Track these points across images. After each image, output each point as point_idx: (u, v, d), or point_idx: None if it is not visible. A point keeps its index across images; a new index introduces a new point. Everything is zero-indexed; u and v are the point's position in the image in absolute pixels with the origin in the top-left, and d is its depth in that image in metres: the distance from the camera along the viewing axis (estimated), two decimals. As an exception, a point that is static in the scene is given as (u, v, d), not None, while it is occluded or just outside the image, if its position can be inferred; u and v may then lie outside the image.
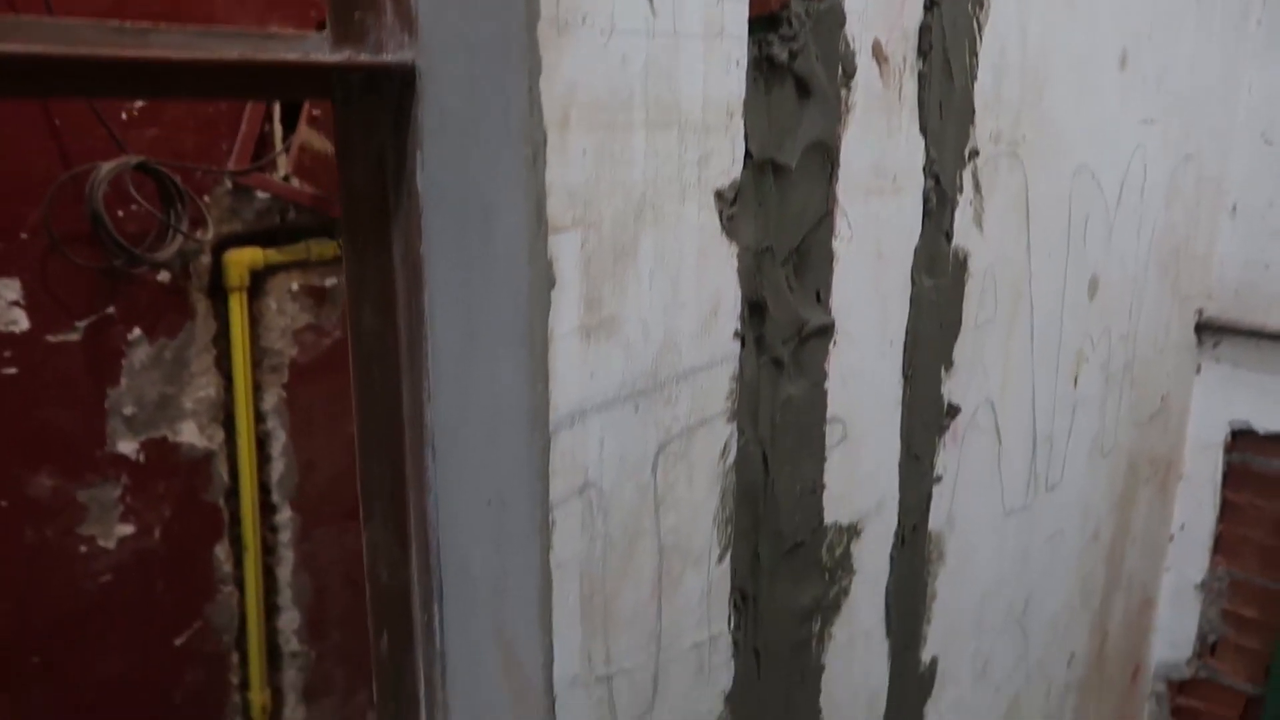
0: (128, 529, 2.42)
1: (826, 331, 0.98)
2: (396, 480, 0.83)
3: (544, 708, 0.75)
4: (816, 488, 1.00)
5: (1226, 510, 2.03)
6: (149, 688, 2.49)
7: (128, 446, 2.38)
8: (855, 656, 1.13)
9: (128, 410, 2.38)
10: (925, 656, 1.28)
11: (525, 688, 0.76)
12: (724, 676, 0.93)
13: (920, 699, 1.29)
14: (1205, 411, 2.01)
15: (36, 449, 2.19)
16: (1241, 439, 2.00)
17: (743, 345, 0.89)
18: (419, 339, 0.79)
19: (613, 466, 0.78)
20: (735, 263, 0.86)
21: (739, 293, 0.87)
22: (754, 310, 0.89)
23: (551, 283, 0.71)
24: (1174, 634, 2.11)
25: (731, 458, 0.89)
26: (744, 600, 0.95)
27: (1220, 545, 2.05)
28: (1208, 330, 1.95)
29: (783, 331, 0.92)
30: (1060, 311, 1.39)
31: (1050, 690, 1.66)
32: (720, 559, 0.90)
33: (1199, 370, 2.00)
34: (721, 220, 0.83)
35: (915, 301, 1.09)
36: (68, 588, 2.33)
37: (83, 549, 2.34)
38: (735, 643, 0.94)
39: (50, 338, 2.16)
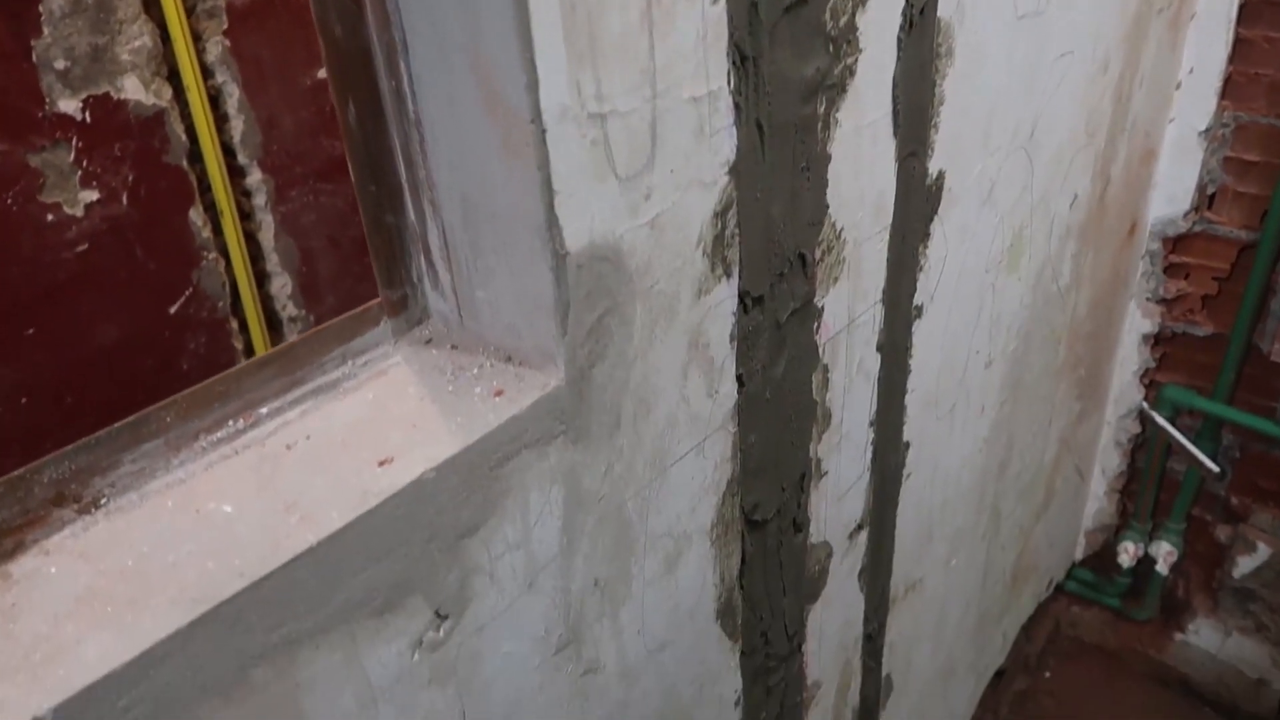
0: (92, 195, 2.33)
1: None
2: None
3: (533, 139, 0.69)
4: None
5: (1239, 49, 1.93)
6: (151, 354, 2.51)
7: (69, 105, 2.23)
8: (862, 151, 1.06)
9: (59, 64, 2.20)
10: (933, 169, 1.22)
11: (510, 120, 0.69)
12: (726, 144, 0.87)
13: (927, 214, 1.25)
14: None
15: (-29, 109, 2.05)
16: (1262, -34, 1.85)
17: None
18: None
19: None
20: None
21: None
22: None
23: None
24: (1173, 188, 2.08)
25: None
26: (743, 60, 0.86)
27: (1228, 89, 1.97)
28: None
29: None
30: None
31: (1052, 230, 1.64)
32: (714, 0, 0.80)
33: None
34: None
35: None
36: (45, 258, 2.27)
37: (50, 217, 2.26)
38: (737, 107, 0.86)
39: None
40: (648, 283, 0.84)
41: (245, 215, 2.68)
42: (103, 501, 0.68)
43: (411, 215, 0.82)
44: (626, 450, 0.88)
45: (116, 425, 0.69)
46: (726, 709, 1.23)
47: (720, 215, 0.90)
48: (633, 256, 0.81)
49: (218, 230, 2.60)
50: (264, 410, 0.77)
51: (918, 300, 1.30)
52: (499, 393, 0.78)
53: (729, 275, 0.94)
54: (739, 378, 1.01)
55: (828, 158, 1.01)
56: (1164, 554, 2.41)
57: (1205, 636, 2.50)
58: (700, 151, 0.85)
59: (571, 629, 0.90)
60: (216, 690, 0.62)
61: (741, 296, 0.96)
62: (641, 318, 0.85)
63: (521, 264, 0.76)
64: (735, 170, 0.89)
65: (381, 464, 0.71)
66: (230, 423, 0.75)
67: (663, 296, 0.86)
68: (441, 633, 0.77)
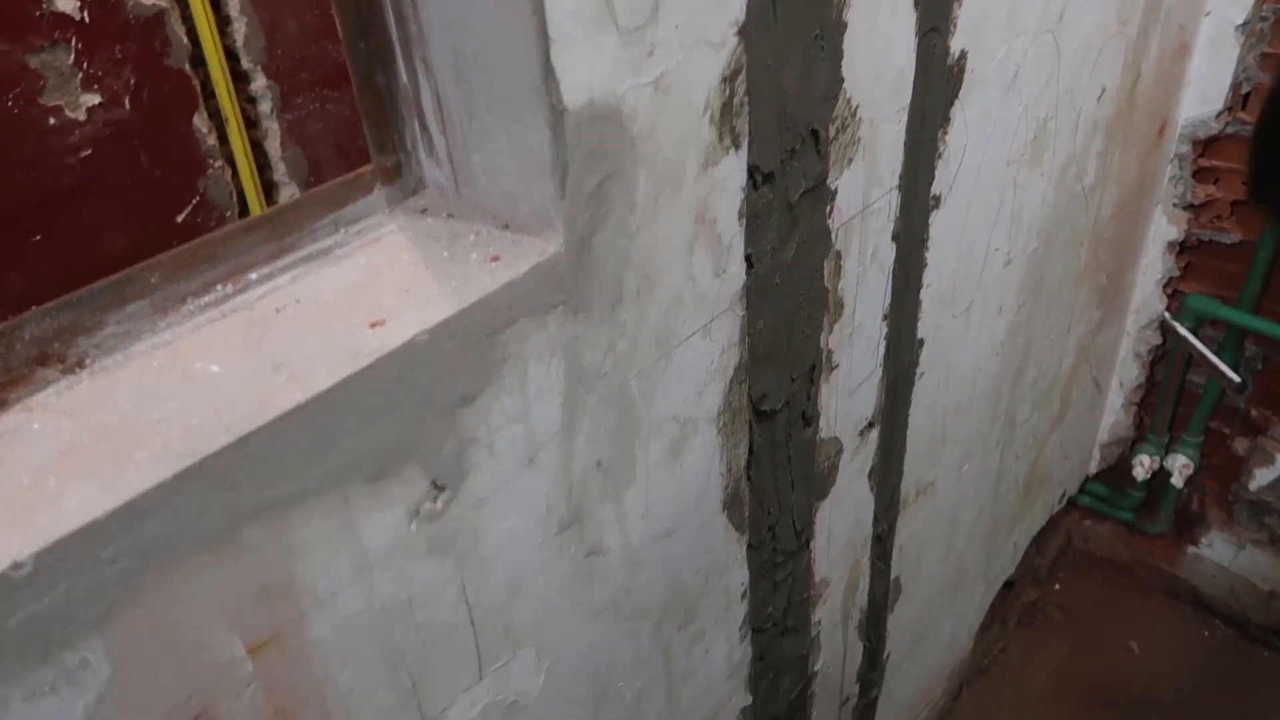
0: (94, 98, 2.29)
1: None
2: None
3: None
4: None
5: (1282, -64, 1.83)
6: (161, 262, 2.49)
7: (67, 3, 2.18)
8: (880, 21, 1.01)
9: (51, -39, 2.14)
10: (954, 48, 1.17)
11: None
12: (735, 1, 0.82)
13: (948, 97, 1.20)
14: None
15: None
16: None
17: None
18: None
19: None
20: None
21: None
22: None
23: None
24: (1206, 87, 2.00)
25: None
26: (754, -90, 0.81)
27: (1269, -21, 1.87)
28: None
29: None
30: None
31: (1078, 125, 1.58)
32: None
33: None
34: None
35: None
36: (49, 163, 2.25)
37: (52, 121, 2.22)
38: (745, -40, 0.81)
39: None
40: (651, 149, 0.80)
41: (251, 123, 2.63)
42: (87, 362, 0.66)
43: (404, 76, 0.78)
44: (630, 327, 0.86)
45: (99, 284, 0.67)
46: (733, 602, 1.22)
47: (728, 81, 0.85)
48: (635, 119, 0.77)
49: (223, 138, 2.56)
50: (253, 276, 0.74)
51: (936, 189, 1.26)
52: (495, 258, 0.75)
53: (737, 147, 0.90)
54: (748, 258, 0.97)
55: (843, 26, 0.96)
56: (1180, 467, 2.38)
57: (1218, 550, 2.49)
58: (707, 7, 0.80)
59: (574, 510, 0.89)
60: (206, 548, 0.61)
61: (751, 171, 0.92)
62: (645, 186, 0.81)
63: (518, 122, 0.72)
64: (745, 32, 0.85)
65: (373, 325, 0.68)
66: (218, 287, 0.73)
67: (667, 165, 0.83)
68: (439, 504, 0.75)
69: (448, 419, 0.73)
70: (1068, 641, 2.54)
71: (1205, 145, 2.07)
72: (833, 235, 1.09)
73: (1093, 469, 2.59)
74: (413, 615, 0.77)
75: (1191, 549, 2.54)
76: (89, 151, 2.34)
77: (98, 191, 2.34)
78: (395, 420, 0.69)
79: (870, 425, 1.36)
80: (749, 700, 1.38)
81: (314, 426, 0.63)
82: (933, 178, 1.24)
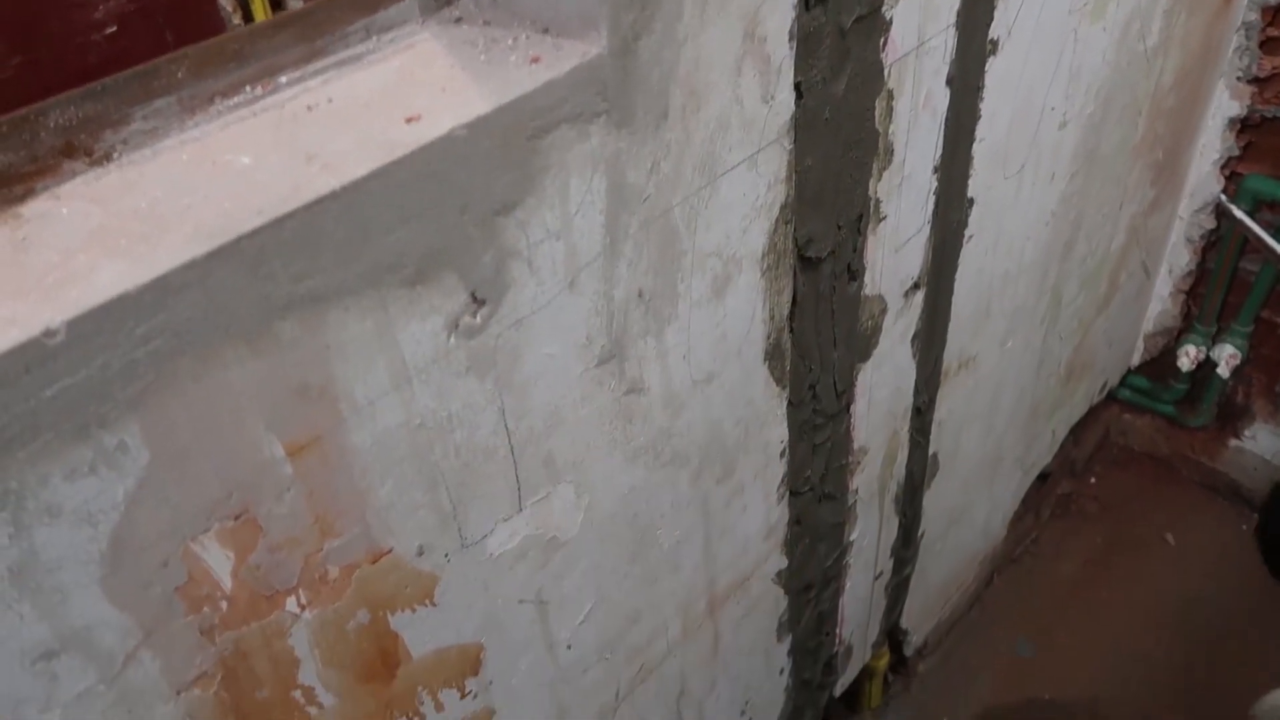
0: (117, -28, 2.24)
1: None
2: None
3: None
4: None
5: None
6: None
7: None
8: None
9: None
10: (1020, -128, 1.09)
11: None
12: None
13: (1010, -72, 1.12)
14: None
15: None
16: None
17: None
18: None
19: None
20: None
21: None
22: None
23: None
24: (1281, -52, 1.88)
25: None
26: None
27: None
28: None
29: None
30: None
31: (1144, -23, 1.49)
32: None
33: None
34: None
35: None
36: (75, 39, 2.21)
37: (75, -5, 2.18)
38: None
39: None
40: (700, -51, 0.75)
41: (276, 4, 2.56)
42: (115, 155, 0.64)
43: None
44: (674, 147, 0.82)
45: (124, 74, 0.64)
46: (772, 460, 1.21)
47: (783, -121, 0.80)
48: (684, -88, 0.72)
49: (249, 17, 2.50)
50: (283, 79, 0.71)
51: (994, 33, 1.19)
52: (536, 59, 0.71)
53: (790, -42, 0.84)
54: (797, 87, 0.92)
55: None
56: (1226, 357, 2.32)
57: (1262, 442, 2.45)
58: None
59: (615, 342, 0.87)
60: (242, 339, 0.59)
61: (803, -13, 0.87)
62: (693, -10, 0.76)
63: (559, -93, 0.68)
64: None
65: (409, 121, 0.65)
66: (247, 88, 0.69)
67: (716, -31, 0.78)
68: (479, 319, 0.73)
69: (487, 227, 0.70)
70: (1101, 533, 2.53)
71: (1275, 13, 1.95)
72: (885, 71, 1.03)
73: (1135, 361, 2.54)
74: (452, 435, 0.76)
75: (1233, 441, 2.50)
76: (114, 29, 2.30)
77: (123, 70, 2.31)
78: (432, 221, 0.66)
79: (915, 286, 1.32)
80: (784, 564, 1.37)
81: (349, 218, 0.61)
82: (991, 19, 1.17)
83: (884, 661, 2.05)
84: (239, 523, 0.64)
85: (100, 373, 0.53)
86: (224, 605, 0.66)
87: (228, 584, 0.65)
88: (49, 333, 0.50)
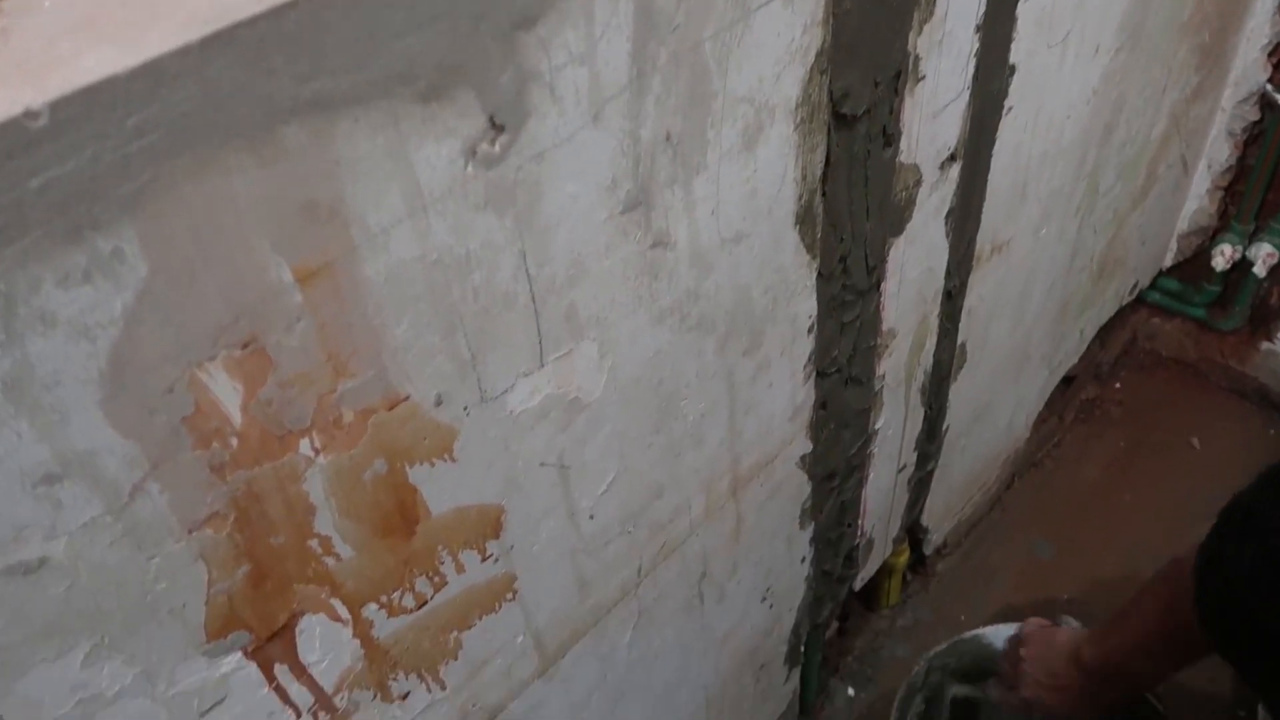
0: None
1: None
2: None
3: None
4: None
5: None
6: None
7: None
8: None
9: None
10: None
11: None
12: None
13: None
14: None
15: None
16: None
17: None
18: None
19: None
20: None
21: None
22: None
23: None
24: None
25: None
26: None
27: None
28: None
29: None
30: None
31: None
32: None
33: None
34: None
35: None
36: None
37: None
38: None
39: None
40: None
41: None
42: (101, -49, 0.58)
43: None
44: (706, -29, 0.76)
45: None
46: (800, 335, 1.17)
47: None
48: None
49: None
50: (283, -121, 0.65)
51: (1045, -124, 1.11)
52: None
53: None
54: (837, -85, 0.86)
55: None
56: (1264, 255, 2.25)
57: (1294, 345, 2.40)
58: None
59: (641, 188, 0.82)
60: (245, 144, 0.54)
61: None
62: None
63: None
64: None
65: (420, -87, 0.59)
66: (244, -113, 0.64)
67: None
68: (497, 147, 0.68)
69: (506, 42, 0.65)
70: (1125, 437, 2.50)
71: (1337, -118, 1.84)
72: (931, -93, 0.96)
73: (1168, 261, 2.47)
74: (470, 276, 0.72)
75: (1265, 345, 2.44)
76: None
77: None
78: (447, 28, 0.61)
79: (952, 158, 1.26)
80: (809, 448, 1.34)
81: (354, 16, 0.56)
82: None
83: (904, 559, 2.04)
84: (247, 352, 0.60)
85: (90, 165, 0.49)
86: (234, 442, 0.63)
87: (237, 418, 0.62)
88: (30, 114, 0.46)
